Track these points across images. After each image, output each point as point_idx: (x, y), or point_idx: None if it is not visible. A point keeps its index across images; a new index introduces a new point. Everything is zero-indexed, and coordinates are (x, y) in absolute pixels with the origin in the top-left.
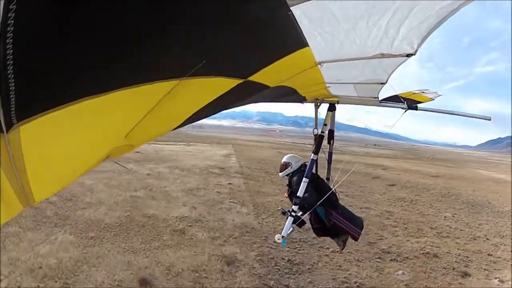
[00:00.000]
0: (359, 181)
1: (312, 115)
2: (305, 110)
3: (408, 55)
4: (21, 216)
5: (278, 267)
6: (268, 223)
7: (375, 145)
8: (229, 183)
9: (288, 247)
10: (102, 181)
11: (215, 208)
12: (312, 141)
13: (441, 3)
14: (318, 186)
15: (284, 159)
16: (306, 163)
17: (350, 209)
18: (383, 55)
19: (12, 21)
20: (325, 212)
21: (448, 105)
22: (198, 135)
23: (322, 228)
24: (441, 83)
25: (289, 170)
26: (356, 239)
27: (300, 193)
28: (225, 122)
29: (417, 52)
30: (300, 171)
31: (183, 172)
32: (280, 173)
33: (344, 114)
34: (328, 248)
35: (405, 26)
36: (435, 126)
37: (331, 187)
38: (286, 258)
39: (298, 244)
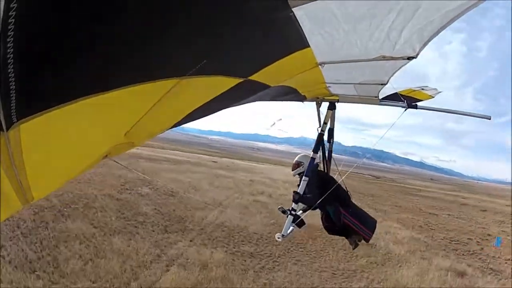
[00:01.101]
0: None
1: (371, 145)
2: (365, 142)
3: (410, 58)
4: None
5: None
6: None
7: (431, 179)
8: None
9: None
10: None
11: None
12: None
13: (444, 8)
14: (326, 185)
15: (297, 158)
16: (318, 163)
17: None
18: (384, 58)
19: (13, 20)
20: (335, 212)
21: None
22: (261, 157)
23: (333, 228)
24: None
25: (300, 169)
26: (367, 240)
27: (300, 190)
28: (282, 147)
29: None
30: (312, 173)
31: (277, 181)
32: (292, 172)
33: (400, 146)
34: None
35: (407, 30)
36: (487, 161)
37: (341, 187)
38: None
39: None
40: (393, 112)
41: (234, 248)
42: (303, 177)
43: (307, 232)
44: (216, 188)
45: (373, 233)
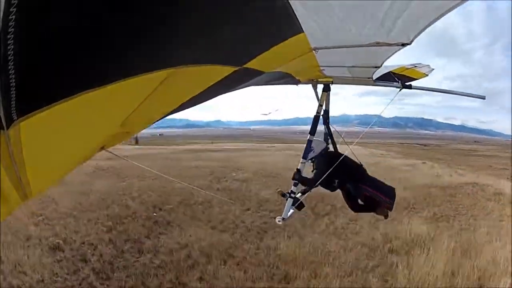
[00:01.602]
0: None
1: (410, 114)
2: (405, 112)
3: (404, 45)
4: None
5: None
6: None
7: (475, 141)
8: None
9: None
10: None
11: None
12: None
13: None
14: (336, 164)
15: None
16: (328, 146)
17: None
18: (378, 44)
19: (14, 17)
20: (354, 188)
21: None
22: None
23: (356, 204)
24: None
25: (311, 154)
26: (390, 209)
27: (299, 173)
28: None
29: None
30: (321, 155)
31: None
32: (300, 162)
33: (441, 112)
34: None
35: (402, 19)
36: None
37: (353, 163)
38: None
39: None
40: (431, 78)
41: None
42: (301, 159)
43: None
44: None
45: (394, 200)
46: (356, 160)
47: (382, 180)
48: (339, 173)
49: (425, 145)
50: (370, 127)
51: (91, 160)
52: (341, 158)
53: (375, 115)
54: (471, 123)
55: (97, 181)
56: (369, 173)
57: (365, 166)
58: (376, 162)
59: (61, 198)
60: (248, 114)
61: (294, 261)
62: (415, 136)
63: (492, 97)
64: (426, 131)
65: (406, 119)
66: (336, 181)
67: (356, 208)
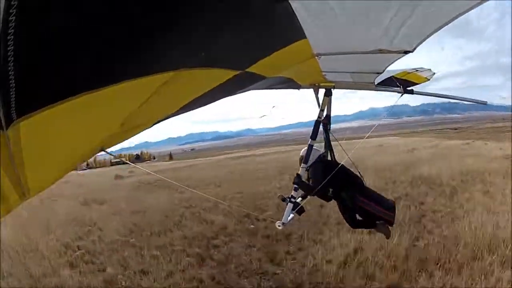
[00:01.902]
0: None
1: (438, 100)
2: (432, 98)
3: (406, 52)
4: None
5: None
6: None
7: (503, 119)
8: None
9: None
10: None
11: None
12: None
13: (444, 7)
14: (332, 172)
15: (302, 152)
16: (324, 154)
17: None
18: (381, 51)
19: (14, 17)
20: (350, 198)
21: None
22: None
23: (354, 218)
24: None
25: (309, 162)
26: (390, 223)
27: (298, 177)
28: (355, 123)
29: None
30: (317, 162)
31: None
32: (300, 166)
33: (464, 93)
34: None
35: (405, 27)
36: None
37: (350, 173)
38: None
39: None
40: (452, 59)
41: None
42: (302, 164)
43: None
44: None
45: (394, 214)
46: (355, 168)
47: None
48: (334, 182)
49: (455, 129)
50: (398, 118)
51: (129, 176)
52: (344, 169)
53: (405, 105)
54: (496, 101)
55: (148, 195)
56: (430, 155)
57: (420, 151)
58: (434, 145)
59: (105, 220)
60: (278, 120)
61: None
62: (444, 121)
63: (509, 71)
64: (454, 115)
65: (434, 105)
66: (331, 190)
67: (353, 223)
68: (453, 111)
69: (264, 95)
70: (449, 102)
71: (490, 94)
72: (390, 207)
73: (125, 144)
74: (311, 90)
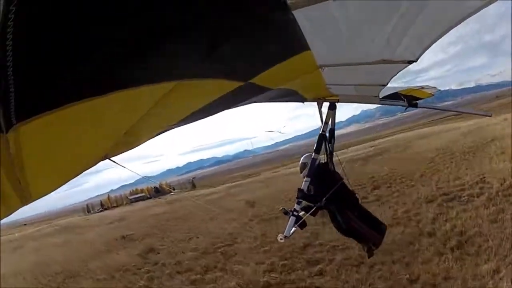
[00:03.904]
0: None
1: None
2: (444, 84)
3: (410, 62)
4: None
5: None
6: None
7: (496, 96)
8: None
9: None
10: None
11: None
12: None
13: (444, 16)
14: (331, 185)
15: (302, 159)
16: (324, 162)
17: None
18: (384, 61)
19: (12, 23)
20: (341, 214)
21: None
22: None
23: (341, 229)
24: None
25: (305, 172)
26: (376, 246)
27: (302, 192)
28: (352, 128)
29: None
30: (316, 169)
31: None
32: (301, 174)
33: (453, 79)
34: None
35: (408, 37)
36: None
37: (345, 188)
38: None
39: None
40: (435, 48)
41: None
42: (305, 177)
43: None
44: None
45: (382, 237)
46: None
47: None
48: (327, 192)
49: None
50: (393, 115)
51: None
52: (342, 183)
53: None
54: (485, 80)
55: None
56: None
57: (467, 131)
58: (475, 123)
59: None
60: (272, 136)
61: None
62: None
63: (494, 48)
64: (446, 103)
65: (445, 93)
66: (324, 200)
67: (341, 231)
68: (445, 99)
69: (253, 113)
70: (439, 91)
71: (479, 75)
72: (379, 230)
73: (121, 181)
74: (300, 105)
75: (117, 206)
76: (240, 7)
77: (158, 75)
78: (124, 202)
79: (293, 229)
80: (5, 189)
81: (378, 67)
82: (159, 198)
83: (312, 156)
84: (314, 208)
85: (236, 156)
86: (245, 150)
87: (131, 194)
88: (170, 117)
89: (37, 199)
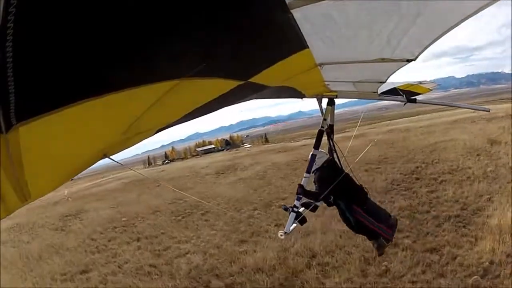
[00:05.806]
0: None
1: (481, 70)
2: (476, 68)
3: (408, 61)
4: None
5: None
6: None
7: None
8: None
9: None
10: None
11: None
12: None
13: (443, 17)
14: (334, 180)
15: (310, 156)
16: (331, 158)
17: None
18: (383, 60)
19: (12, 24)
20: (348, 209)
21: None
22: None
23: (349, 225)
24: None
25: (314, 167)
26: (387, 241)
27: (301, 188)
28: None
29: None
30: (323, 167)
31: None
32: (304, 176)
33: (507, 63)
34: None
35: (407, 37)
36: None
37: (352, 183)
38: None
39: None
40: (488, 29)
41: None
42: (304, 173)
43: None
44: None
45: (393, 232)
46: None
47: None
48: (335, 189)
49: (454, 107)
50: (446, 91)
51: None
52: (342, 175)
53: (451, 76)
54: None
55: None
56: None
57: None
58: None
59: None
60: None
61: None
62: (491, 92)
63: None
64: (499, 85)
65: (479, 76)
66: (331, 197)
67: (351, 228)
68: (498, 81)
69: None
70: (493, 72)
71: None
72: (389, 224)
73: (176, 136)
74: None
75: (185, 158)
76: (239, 7)
77: (158, 75)
78: (191, 155)
79: (293, 225)
80: (5, 189)
81: (377, 65)
82: (231, 150)
83: (312, 152)
84: (313, 205)
85: (290, 117)
86: (299, 111)
87: (197, 146)
88: (169, 115)
89: (36, 199)
